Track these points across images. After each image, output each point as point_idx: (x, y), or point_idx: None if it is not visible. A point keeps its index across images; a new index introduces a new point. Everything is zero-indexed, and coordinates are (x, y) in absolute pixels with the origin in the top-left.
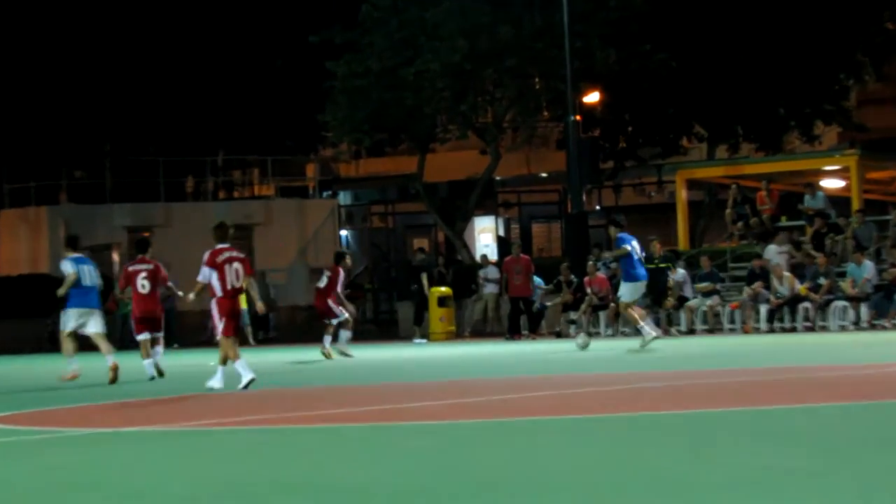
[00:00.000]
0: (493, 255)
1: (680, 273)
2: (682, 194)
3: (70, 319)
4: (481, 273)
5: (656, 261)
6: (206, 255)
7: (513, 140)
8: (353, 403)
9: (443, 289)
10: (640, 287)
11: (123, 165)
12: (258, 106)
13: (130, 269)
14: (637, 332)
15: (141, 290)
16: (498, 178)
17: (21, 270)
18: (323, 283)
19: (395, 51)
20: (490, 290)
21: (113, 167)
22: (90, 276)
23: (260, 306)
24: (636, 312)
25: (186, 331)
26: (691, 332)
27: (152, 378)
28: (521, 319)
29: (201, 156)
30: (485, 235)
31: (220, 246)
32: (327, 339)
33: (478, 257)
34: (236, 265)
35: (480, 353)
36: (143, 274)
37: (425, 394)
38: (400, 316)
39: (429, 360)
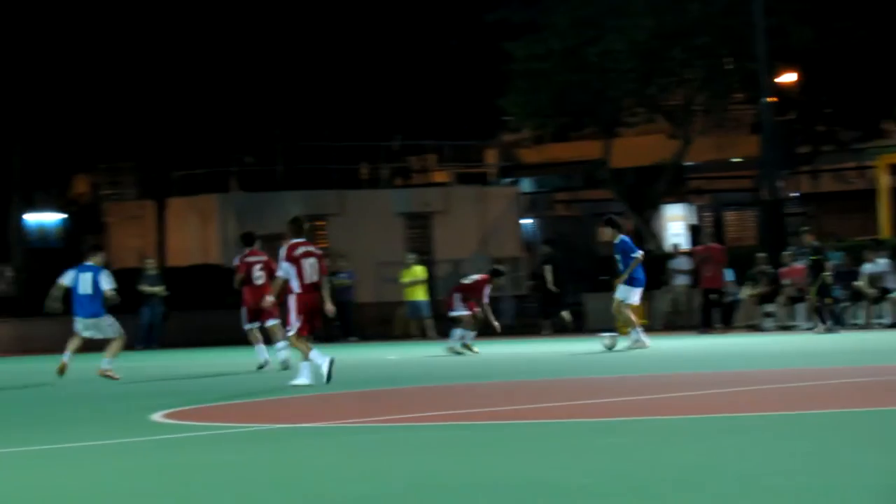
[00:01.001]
0: (683, 245)
1: (882, 263)
2: (885, 180)
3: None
4: (671, 264)
5: (807, 253)
6: (284, 250)
7: (703, 123)
8: (538, 399)
9: None
10: (639, 291)
11: (295, 151)
12: (434, 88)
13: (246, 259)
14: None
15: (256, 282)
16: (688, 163)
17: (191, 261)
18: (467, 280)
19: (578, 30)
20: (681, 281)
21: (284, 153)
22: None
23: (329, 307)
24: (632, 315)
25: (367, 323)
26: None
27: (263, 365)
28: (713, 312)
29: (376, 141)
30: (674, 224)
31: (296, 240)
32: (469, 334)
33: (667, 247)
34: (312, 260)
35: (671, 347)
36: (259, 265)
37: (611, 390)
38: (587, 308)
39: (616, 356)
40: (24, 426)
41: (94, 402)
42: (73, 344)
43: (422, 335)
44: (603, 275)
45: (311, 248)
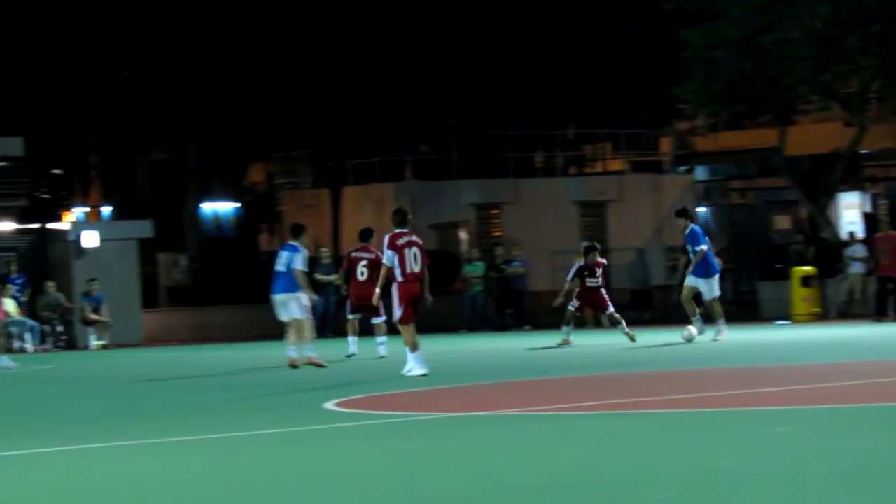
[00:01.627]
0: (859, 233)
1: None
2: None
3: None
4: (847, 252)
5: None
6: (387, 239)
7: (879, 111)
8: (713, 388)
9: (807, 268)
10: (717, 280)
11: (470, 140)
12: (610, 76)
13: (353, 255)
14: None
15: (360, 277)
16: (864, 151)
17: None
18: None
19: (753, 18)
20: (856, 269)
21: (459, 142)
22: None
23: (428, 297)
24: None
25: (541, 312)
26: None
27: (351, 355)
28: (889, 300)
29: (550, 129)
30: (850, 212)
31: (398, 230)
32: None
33: (842, 235)
34: (415, 250)
35: (846, 335)
36: (364, 262)
37: (785, 378)
38: (761, 296)
39: (791, 343)
40: (198, 415)
41: (267, 390)
42: (290, 335)
43: (595, 324)
44: (777, 263)
45: (413, 238)
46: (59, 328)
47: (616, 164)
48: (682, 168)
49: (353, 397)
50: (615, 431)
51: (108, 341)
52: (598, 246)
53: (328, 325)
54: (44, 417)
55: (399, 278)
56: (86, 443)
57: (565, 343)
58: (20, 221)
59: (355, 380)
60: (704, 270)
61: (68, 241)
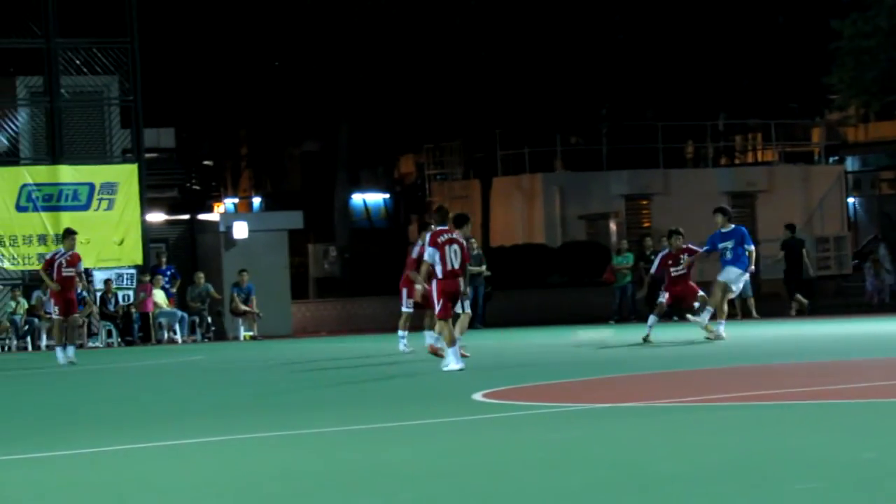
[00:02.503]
0: None
1: None
2: None
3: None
4: None
5: None
6: (428, 237)
7: None
8: (853, 379)
9: None
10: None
11: (620, 131)
12: (760, 66)
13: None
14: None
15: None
16: None
17: (515, 240)
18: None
19: None
20: None
21: (609, 133)
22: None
23: (466, 292)
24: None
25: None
26: None
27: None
28: None
29: (701, 120)
30: None
31: (439, 228)
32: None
33: None
34: (455, 247)
35: None
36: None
37: None
38: None
39: None
40: (348, 406)
41: (416, 381)
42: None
43: (745, 314)
44: None
45: (454, 236)
46: (209, 319)
47: (766, 155)
48: (833, 159)
49: (501, 388)
50: (759, 422)
51: (257, 332)
52: (681, 231)
53: (478, 315)
54: (192, 408)
55: (439, 275)
56: (232, 433)
57: (647, 341)
58: (171, 212)
59: (502, 371)
60: (740, 263)
61: (218, 232)
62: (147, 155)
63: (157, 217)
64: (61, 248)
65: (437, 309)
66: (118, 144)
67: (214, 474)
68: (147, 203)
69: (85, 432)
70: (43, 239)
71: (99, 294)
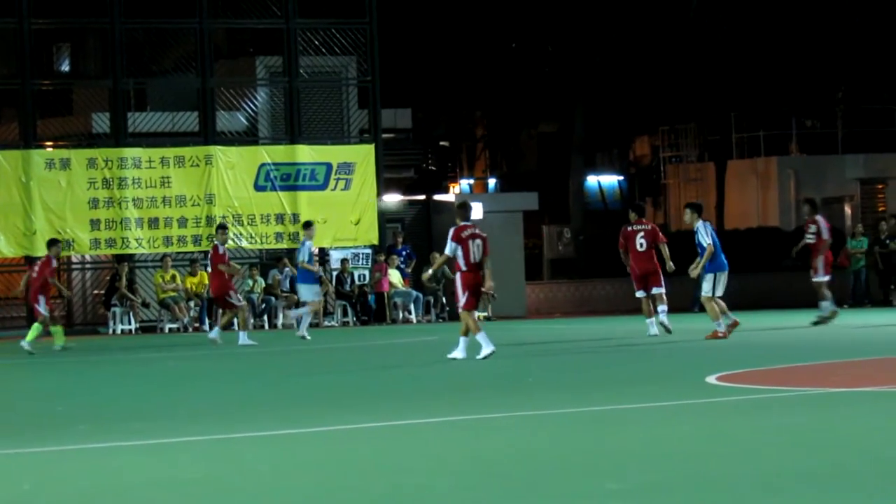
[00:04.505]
0: None
1: None
2: None
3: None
4: None
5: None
6: (451, 232)
7: None
8: None
9: None
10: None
11: (856, 114)
12: None
13: (629, 229)
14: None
15: (638, 249)
16: None
17: (749, 223)
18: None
19: None
20: None
21: (845, 116)
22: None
23: (490, 285)
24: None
25: None
26: None
27: (653, 336)
28: None
29: None
30: None
31: (463, 223)
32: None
33: None
34: (479, 241)
35: None
36: (641, 233)
37: None
38: None
39: None
40: (579, 387)
41: (650, 363)
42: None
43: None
44: None
45: (477, 231)
46: (443, 300)
47: None
48: None
49: (735, 371)
50: None
51: (492, 313)
52: (814, 201)
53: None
54: (427, 387)
55: (463, 268)
56: (467, 413)
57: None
58: (407, 193)
59: (736, 354)
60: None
61: (454, 213)
62: (384, 135)
63: (393, 197)
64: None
65: (462, 301)
66: (355, 125)
67: (446, 453)
68: (383, 183)
69: (334, 410)
70: (280, 218)
71: (335, 273)
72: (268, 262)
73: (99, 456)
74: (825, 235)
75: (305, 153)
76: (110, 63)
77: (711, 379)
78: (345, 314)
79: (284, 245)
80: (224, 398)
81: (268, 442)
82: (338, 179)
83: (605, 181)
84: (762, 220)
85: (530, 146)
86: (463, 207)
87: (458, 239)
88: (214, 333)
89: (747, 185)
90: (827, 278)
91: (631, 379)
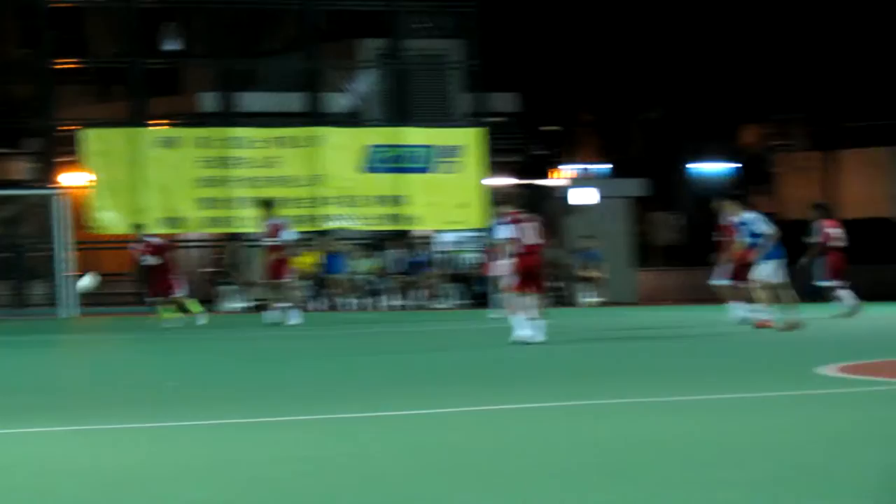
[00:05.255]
0: None
1: None
2: None
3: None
4: None
5: None
6: (507, 218)
7: None
8: None
9: None
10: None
11: None
12: None
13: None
14: None
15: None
16: None
17: (860, 214)
18: None
19: None
20: None
21: None
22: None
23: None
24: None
25: None
26: None
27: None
28: None
29: None
30: None
31: (515, 210)
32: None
33: None
34: (534, 224)
35: None
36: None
37: None
38: None
39: None
40: (683, 375)
41: (759, 352)
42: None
43: None
44: None
45: (530, 216)
46: (553, 284)
47: None
48: None
49: (849, 363)
50: None
51: (602, 298)
52: None
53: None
54: (541, 370)
55: (518, 251)
56: (582, 399)
57: None
58: (513, 177)
59: (851, 346)
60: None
61: (561, 198)
62: (491, 119)
63: (499, 181)
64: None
65: (515, 283)
66: (462, 108)
67: (556, 438)
68: (490, 167)
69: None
70: (386, 200)
71: (446, 257)
72: (375, 243)
73: (209, 432)
74: None
75: (411, 135)
76: (218, 42)
77: (822, 370)
78: (454, 297)
79: (392, 227)
80: (335, 377)
81: (379, 422)
82: (444, 162)
83: (713, 168)
84: (873, 210)
85: (638, 132)
86: (513, 196)
87: (514, 222)
88: (277, 315)
89: (858, 176)
90: None
91: (737, 368)
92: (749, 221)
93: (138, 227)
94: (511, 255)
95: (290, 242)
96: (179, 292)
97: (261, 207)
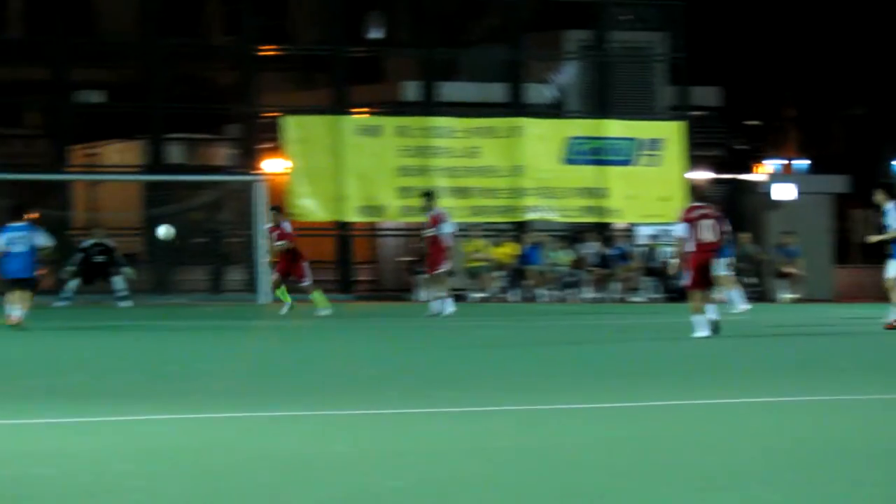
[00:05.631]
0: None
1: None
2: None
3: None
4: None
5: None
6: (682, 212)
7: None
8: None
9: None
10: None
11: None
12: None
13: None
14: None
15: None
16: None
17: None
18: None
19: None
20: None
21: None
22: None
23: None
24: None
25: None
26: None
27: None
28: None
29: None
30: None
31: (694, 204)
32: None
33: None
34: (710, 221)
35: None
36: None
37: None
38: None
39: None
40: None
41: None
42: None
43: None
44: None
45: (707, 212)
46: (752, 280)
47: None
48: None
49: None
50: None
51: (798, 295)
52: None
53: None
54: (728, 365)
55: (691, 248)
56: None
57: None
58: (714, 171)
59: None
60: None
61: (762, 193)
62: (693, 113)
63: (700, 175)
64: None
65: (688, 280)
66: (664, 101)
67: (754, 432)
68: (691, 161)
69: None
70: (586, 192)
71: (644, 250)
72: (575, 235)
73: (409, 421)
74: None
75: (613, 128)
76: (421, 32)
77: None
78: (653, 291)
79: (591, 219)
80: (535, 367)
81: (579, 415)
82: (645, 155)
83: None
84: None
85: (840, 128)
86: (693, 188)
87: (687, 219)
88: (439, 305)
89: None
90: None
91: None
92: (887, 211)
93: (277, 212)
94: (683, 253)
95: (449, 234)
96: (306, 280)
97: (422, 198)
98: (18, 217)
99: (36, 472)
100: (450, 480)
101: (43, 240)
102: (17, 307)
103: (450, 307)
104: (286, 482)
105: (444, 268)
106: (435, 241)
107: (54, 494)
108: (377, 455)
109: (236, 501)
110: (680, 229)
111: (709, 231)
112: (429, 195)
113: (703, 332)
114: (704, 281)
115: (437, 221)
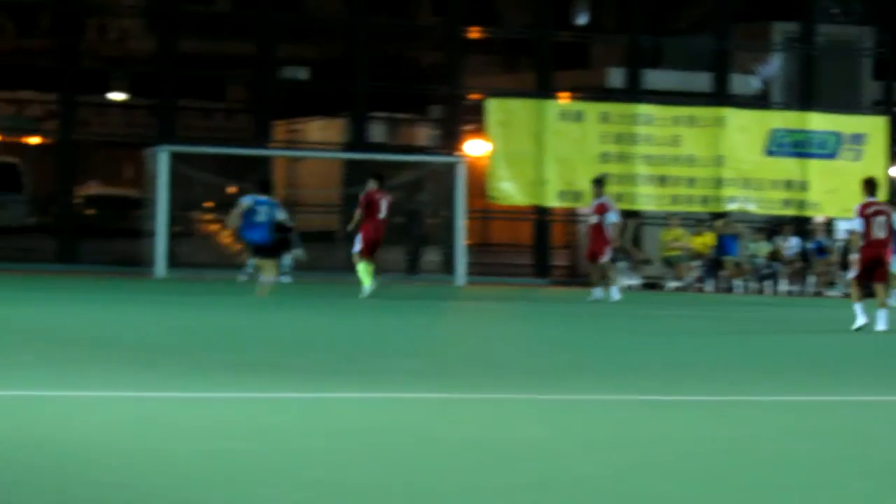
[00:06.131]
0: None
1: None
2: None
3: None
4: None
5: None
6: (857, 207)
7: None
8: None
9: None
10: None
11: None
12: None
13: None
14: None
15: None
16: None
17: None
18: None
19: None
20: None
21: None
22: None
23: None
24: None
25: None
26: None
27: None
28: None
29: None
30: None
31: (870, 199)
32: None
33: None
34: (882, 218)
35: None
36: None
37: None
38: None
39: None
40: None
41: None
42: None
43: None
44: None
45: (882, 208)
46: None
47: None
48: None
49: None
50: None
51: None
52: None
53: None
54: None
55: (861, 243)
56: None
57: None
58: None
59: None
60: None
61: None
62: None
63: None
64: None
65: (855, 275)
66: (869, 96)
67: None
68: (894, 157)
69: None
70: (786, 184)
71: (842, 245)
72: (773, 227)
73: (604, 408)
74: None
75: (817, 121)
76: (627, 18)
77: None
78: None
79: (791, 212)
80: (727, 358)
81: (777, 406)
82: (848, 150)
83: None
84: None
85: None
86: (869, 184)
87: (862, 215)
88: (599, 293)
89: None
90: None
91: None
92: None
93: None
94: (856, 249)
95: (613, 224)
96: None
97: (592, 184)
98: (266, 191)
99: (227, 447)
100: (639, 468)
101: (282, 214)
102: (269, 276)
103: (615, 294)
104: (475, 465)
105: (606, 257)
106: (598, 229)
107: (244, 469)
108: (568, 441)
109: (426, 481)
110: (856, 224)
111: (881, 228)
112: (599, 182)
113: (862, 321)
114: (870, 275)
115: (602, 210)
